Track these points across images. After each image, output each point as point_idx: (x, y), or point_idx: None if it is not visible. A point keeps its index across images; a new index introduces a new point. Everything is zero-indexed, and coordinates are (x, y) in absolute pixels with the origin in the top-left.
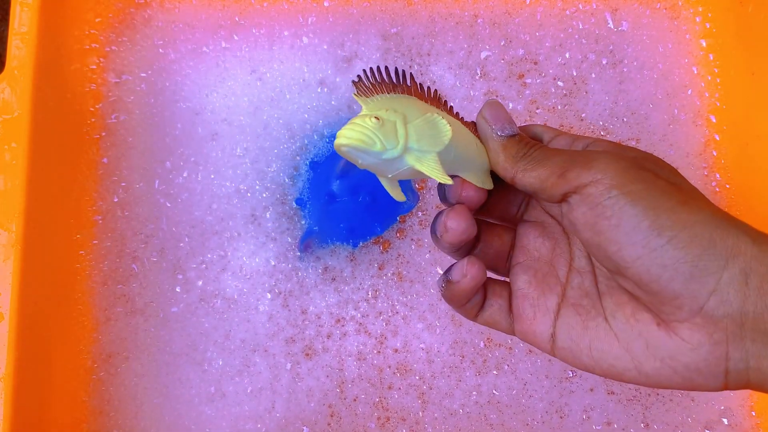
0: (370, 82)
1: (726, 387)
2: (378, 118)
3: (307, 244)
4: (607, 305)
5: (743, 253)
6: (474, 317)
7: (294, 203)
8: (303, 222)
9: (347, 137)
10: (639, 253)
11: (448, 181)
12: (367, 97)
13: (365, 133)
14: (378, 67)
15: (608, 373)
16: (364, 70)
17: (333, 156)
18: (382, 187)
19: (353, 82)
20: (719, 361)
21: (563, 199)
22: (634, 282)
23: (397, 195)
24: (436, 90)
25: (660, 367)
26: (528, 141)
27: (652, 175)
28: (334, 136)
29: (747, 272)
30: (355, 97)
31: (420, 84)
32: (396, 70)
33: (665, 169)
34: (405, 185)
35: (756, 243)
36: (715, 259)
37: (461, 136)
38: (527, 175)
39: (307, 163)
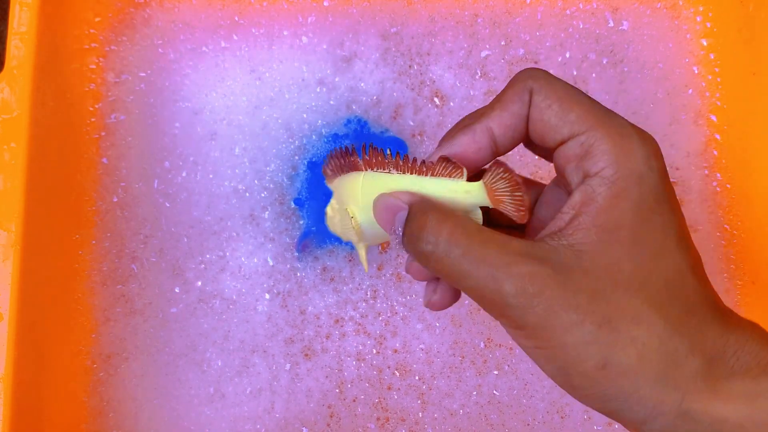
0: (331, 166)
1: None
2: (332, 207)
3: (305, 244)
4: None
5: (666, 413)
6: None
7: (292, 203)
8: (301, 222)
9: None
10: (568, 390)
11: (366, 269)
12: (331, 182)
13: (330, 224)
14: (336, 150)
15: None
16: (330, 156)
17: None
18: None
19: (322, 170)
20: None
21: None
22: None
23: (364, 266)
24: (375, 147)
25: None
26: (421, 233)
27: (578, 318)
28: (333, 136)
29: (666, 431)
30: (327, 184)
31: (369, 150)
32: (346, 148)
33: (634, 221)
34: None
35: (684, 401)
36: (635, 414)
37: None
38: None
39: (306, 163)
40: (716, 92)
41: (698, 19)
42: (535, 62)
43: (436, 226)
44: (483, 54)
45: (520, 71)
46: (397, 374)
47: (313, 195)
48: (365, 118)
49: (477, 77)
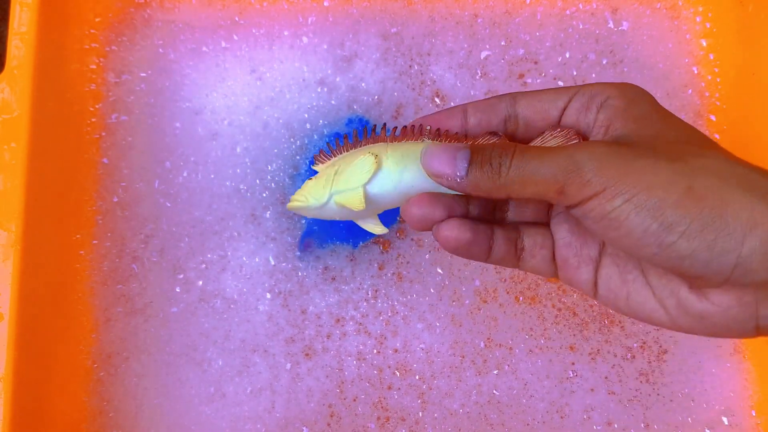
0: (331, 151)
1: (759, 335)
2: (312, 179)
3: (306, 243)
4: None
5: (761, 223)
6: (499, 262)
7: None
8: (303, 221)
9: (290, 205)
10: (654, 251)
11: (361, 207)
12: (323, 163)
13: (298, 197)
14: (346, 135)
15: (647, 322)
16: (328, 143)
17: None
18: None
19: (314, 155)
20: (749, 319)
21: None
22: (659, 268)
23: (376, 229)
24: (411, 126)
25: (692, 322)
26: (494, 153)
27: (651, 161)
28: (334, 136)
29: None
30: (313, 167)
31: (391, 128)
32: (365, 128)
33: (652, 112)
34: None
35: None
36: (731, 238)
37: (409, 163)
38: (519, 194)
39: (307, 162)
40: (716, 92)
41: (698, 19)
42: (535, 62)
43: (505, 146)
44: (483, 54)
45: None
46: (398, 374)
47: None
48: (366, 117)
49: (477, 77)
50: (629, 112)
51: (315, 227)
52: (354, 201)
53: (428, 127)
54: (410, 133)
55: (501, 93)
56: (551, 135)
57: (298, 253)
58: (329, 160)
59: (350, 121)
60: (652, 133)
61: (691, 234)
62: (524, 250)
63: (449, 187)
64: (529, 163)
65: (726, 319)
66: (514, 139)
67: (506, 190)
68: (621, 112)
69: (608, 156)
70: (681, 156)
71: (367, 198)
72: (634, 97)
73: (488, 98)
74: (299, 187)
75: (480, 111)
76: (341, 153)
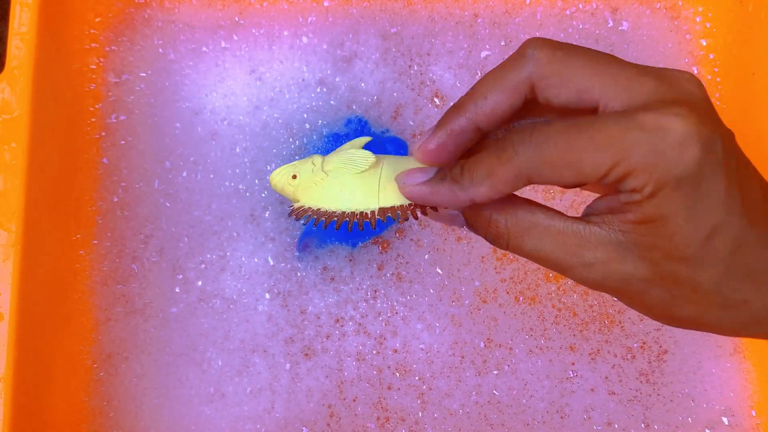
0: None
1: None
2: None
3: (305, 243)
4: None
5: None
6: None
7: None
8: (302, 222)
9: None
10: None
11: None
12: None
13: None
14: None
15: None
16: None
17: None
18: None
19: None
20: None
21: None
22: None
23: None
24: None
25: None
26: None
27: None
28: (333, 136)
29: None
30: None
31: None
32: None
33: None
34: None
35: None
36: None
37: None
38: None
39: None
40: (715, 92)
41: (698, 19)
42: None
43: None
44: (483, 54)
45: (522, 51)
46: (397, 374)
47: None
48: (365, 117)
49: (477, 77)
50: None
51: (314, 227)
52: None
53: None
54: None
55: None
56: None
57: (297, 253)
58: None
59: (349, 121)
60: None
61: (720, 279)
62: None
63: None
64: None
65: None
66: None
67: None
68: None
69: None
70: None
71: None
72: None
73: (500, 81)
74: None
75: (492, 118)
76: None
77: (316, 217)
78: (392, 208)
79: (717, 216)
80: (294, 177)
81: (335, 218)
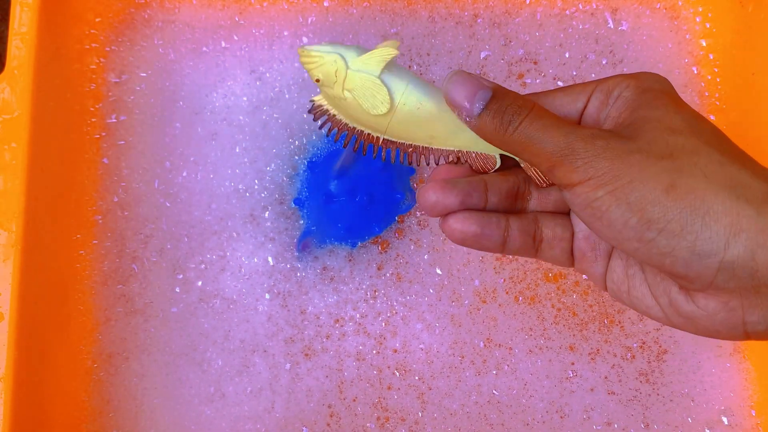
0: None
1: (749, 339)
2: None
3: (305, 244)
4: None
5: (746, 229)
6: (515, 252)
7: (292, 203)
8: (301, 222)
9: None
10: (635, 246)
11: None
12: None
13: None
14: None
15: (648, 317)
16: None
17: (331, 156)
18: (380, 187)
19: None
20: (737, 324)
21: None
22: (643, 264)
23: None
24: None
25: (684, 322)
26: (510, 107)
27: (643, 156)
28: (333, 136)
29: (753, 249)
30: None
31: None
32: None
33: (663, 100)
34: (403, 184)
35: (761, 214)
36: (712, 242)
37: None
38: (516, 154)
39: (306, 162)
40: (715, 92)
41: (698, 19)
42: (535, 62)
43: (523, 105)
44: (483, 54)
45: None
46: (397, 374)
47: (313, 195)
48: None
49: None
50: (639, 101)
51: (313, 228)
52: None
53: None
54: None
55: None
56: None
57: (297, 254)
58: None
59: None
60: (655, 122)
61: (671, 233)
62: (543, 241)
63: (459, 118)
64: (535, 131)
65: (713, 323)
66: None
67: (506, 146)
68: (631, 102)
69: (603, 147)
70: (675, 151)
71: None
72: (649, 85)
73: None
74: (297, 188)
75: None
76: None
77: (331, 123)
78: (400, 144)
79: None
80: (317, 80)
81: (346, 131)
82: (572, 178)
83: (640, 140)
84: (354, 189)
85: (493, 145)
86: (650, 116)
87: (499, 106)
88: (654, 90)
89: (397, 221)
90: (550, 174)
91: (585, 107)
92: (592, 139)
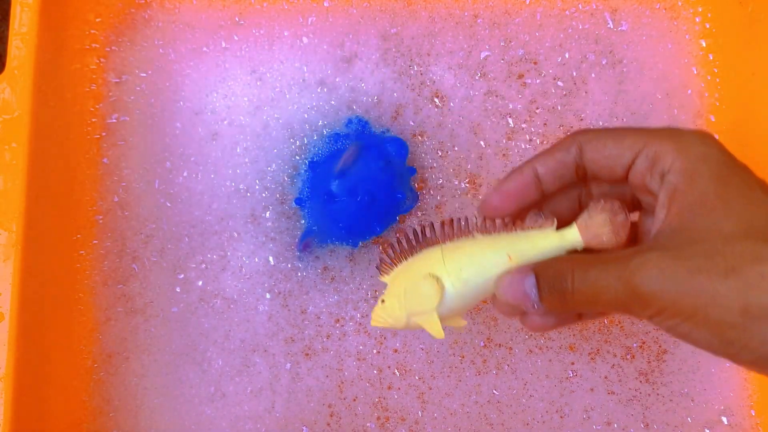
0: (391, 259)
1: None
2: (383, 301)
3: (306, 243)
4: None
5: None
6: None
7: (293, 203)
8: (302, 221)
9: (373, 323)
10: (722, 353)
11: (440, 336)
12: (387, 274)
13: (379, 318)
14: (398, 238)
15: None
16: (389, 247)
17: (332, 156)
18: (381, 187)
19: (377, 266)
20: None
21: None
22: None
23: (437, 332)
24: (450, 220)
25: None
26: (555, 278)
27: (706, 277)
28: (333, 136)
29: None
30: (380, 278)
31: (438, 227)
32: (414, 231)
33: (712, 192)
34: (404, 185)
35: None
36: None
37: (469, 276)
38: (591, 311)
39: (306, 162)
40: (715, 93)
41: (697, 19)
42: (535, 63)
43: (565, 271)
44: (483, 54)
45: (571, 133)
46: (397, 374)
47: (314, 195)
48: (366, 118)
49: (477, 78)
50: (688, 197)
51: (314, 227)
52: (432, 326)
53: (474, 219)
54: (458, 229)
55: (501, 93)
56: (596, 210)
57: (298, 253)
58: (393, 269)
59: (350, 121)
60: (707, 231)
61: (752, 349)
62: None
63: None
64: (590, 286)
65: None
66: (585, 180)
67: (576, 309)
68: (680, 195)
69: (664, 276)
70: (737, 265)
71: (442, 315)
72: (696, 170)
73: (554, 148)
74: (298, 187)
75: (550, 168)
76: (401, 261)
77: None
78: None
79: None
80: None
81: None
82: (647, 313)
83: (697, 256)
84: (355, 189)
85: (567, 312)
86: (701, 225)
87: (548, 281)
88: (703, 176)
89: (398, 221)
90: (627, 313)
91: (630, 165)
92: (647, 271)
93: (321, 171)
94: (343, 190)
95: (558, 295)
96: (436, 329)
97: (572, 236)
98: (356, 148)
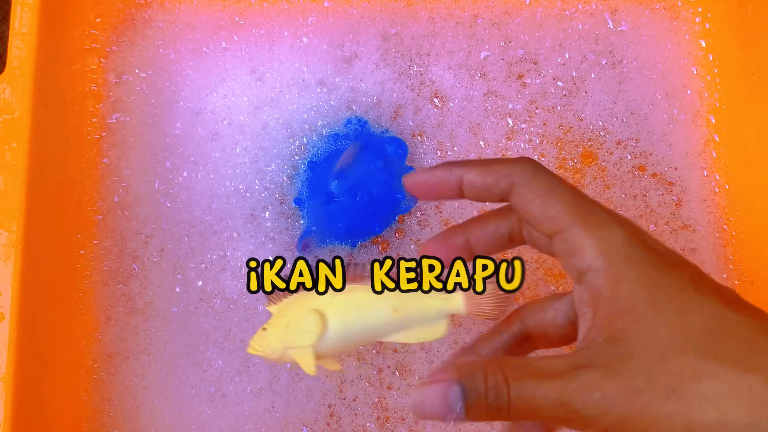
0: (283, 290)
1: None
2: (265, 329)
3: (305, 243)
4: None
5: None
6: None
7: (293, 203)
8: (302, 221)
9: (249, 350)
10: None
11: (312, 373)
12: (275, 303)
13: (256, 346)
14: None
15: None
16: (277, 288)
17: (331, 156)
18: (381, 187)
19: (268, 296)
20: None
21: None
22: None
23: (309, 369)
24: (356, 263)
25: None
26: (489, 391)
27: (646, 400)
28: (333, 136)
29: None
30: (266, 307)
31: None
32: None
33: (637, 305)
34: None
35: None
36: None
37: (352, 318)
38: (526, 419)
39: (306, 162)
40: (715, 93)
41: (697, 20)
42: (535, 63)
43: (499, 383)
44: (483, 55)
45: (510, 158)
46: (397, 374)
47: (313, 195)
48: (365, 118)
49: (477, 78)
50: (614, 303)
51: (314, 227)
52: (305, 362)
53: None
54: (362, 271)
55: (500, 93)
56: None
57: (298, 253)
58: (281, 300)
59: (349, 121)
60: (642, 337)
61: None
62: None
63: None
64: (527, 401)
65: None
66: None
67: (515, 420)
68: (605, 301)
69: (606, 399)
70: (677, 385)
71: (318, 353)
72: (621, 273)
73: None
74: (298, 188)
75: (481, 236)
76: (290, 295)
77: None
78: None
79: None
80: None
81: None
82: (590, 426)
83: (637, 376)
84: (354, 189)
85: (489, 420)
86: (634, 337)
87: (475, 394)
88: (627, 276)
89: (397, 221)
90: (569, 428)
91: (553, 235)
92: (589, 395)
93: (320, 171)
94: (343, 190)
95: (491, 409)
96: (308, 366)
97: (456, 304)
98: (355, 148)
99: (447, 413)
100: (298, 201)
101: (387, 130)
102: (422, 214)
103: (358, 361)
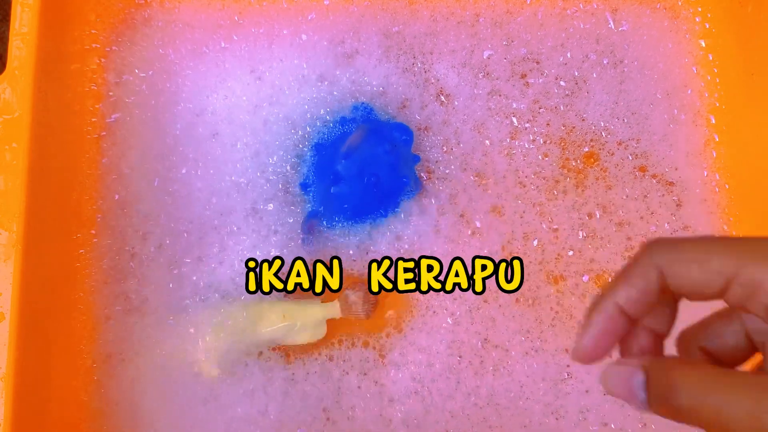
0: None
1: None
2: None
3: (310, 225)
4: None
5: None
6: None
7: (298, 187)
8: (307, 205)
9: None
10: None
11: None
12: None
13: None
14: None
15: None
16: None
17: (338, 139)
18: (387, 169)
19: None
20: None
21: None
22: None
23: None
24: None
25: None
26: (667, 379)
27: None
28: (340, 120)
29: None
30: None
31: None
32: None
33: None
34: (408, 170)
35: None
36: None
37: (248, 322)
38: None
39: (311, 148)
40: (715, 92)
41: (697, 19)
42: (537, 62)
43: (678, 385)
44: (485, 54)
45: (643, 247)
46: (397, 374)
47: (320, 176)
48: (372, 104)
49: (480, 77)
50: None
51: (320, 208)
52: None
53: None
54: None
55: (504, 93)
56: (354, 291)
57: (302, 236)
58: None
59: (356, 108)
60: None
61: None
62: None
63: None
64: (710, 412)
65: None
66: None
67: (684, 420)
68: None
69: None
70: None
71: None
72: None
73: (631, 275)
74: (303, 173)
75: (632, 299)
76: (289, 295)
77: None
78: None
79: None
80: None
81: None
82: None
83: None
84: (361, 171)
85: (671, 418)
86: None
87: (656, 389)
88: None
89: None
90: None
91: (724, 290)
92: None
93: (327, 153)
94: (350, 170)
95: (668, 408)
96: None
97: (333, 310)
98: (363, 130)
99: (630, 397)
100: (303, 185)
101: (394, 117)
102: (437, 202)
103: (358, 361)
